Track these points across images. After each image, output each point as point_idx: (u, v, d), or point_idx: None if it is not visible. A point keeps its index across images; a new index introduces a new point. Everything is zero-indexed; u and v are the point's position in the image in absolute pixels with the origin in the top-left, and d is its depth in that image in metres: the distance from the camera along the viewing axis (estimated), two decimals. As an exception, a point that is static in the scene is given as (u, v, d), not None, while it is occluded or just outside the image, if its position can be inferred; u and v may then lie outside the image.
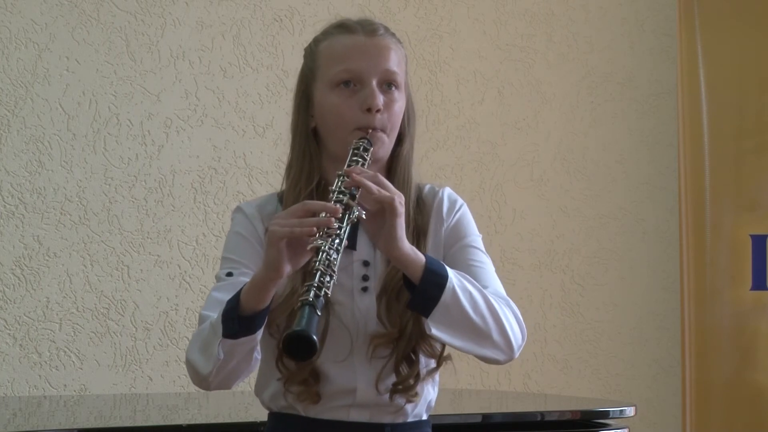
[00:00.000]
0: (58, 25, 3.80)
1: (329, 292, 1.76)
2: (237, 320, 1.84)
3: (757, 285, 4.43)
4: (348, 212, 1.83)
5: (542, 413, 3.16)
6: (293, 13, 4.13)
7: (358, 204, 1.86)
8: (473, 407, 3.46)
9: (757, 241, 4.43)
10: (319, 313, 1.74)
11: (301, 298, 1.75)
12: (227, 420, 3.15)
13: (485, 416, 3.03)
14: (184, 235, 3.92)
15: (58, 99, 3.80)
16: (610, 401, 3.91)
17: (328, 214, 1.81)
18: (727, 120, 4.58)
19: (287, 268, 1.82)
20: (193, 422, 3.12)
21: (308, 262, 1.83)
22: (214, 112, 3.99)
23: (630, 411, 3.17)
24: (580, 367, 4.60)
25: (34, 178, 3.75)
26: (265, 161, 4.04)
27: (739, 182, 4.58)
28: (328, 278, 1.76)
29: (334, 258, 1.78)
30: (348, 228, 1.83)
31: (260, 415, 2.90)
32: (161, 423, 3.09)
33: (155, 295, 3.87)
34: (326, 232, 1.80)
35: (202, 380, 1.93)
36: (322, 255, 1.78)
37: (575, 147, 4.64)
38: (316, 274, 1.76)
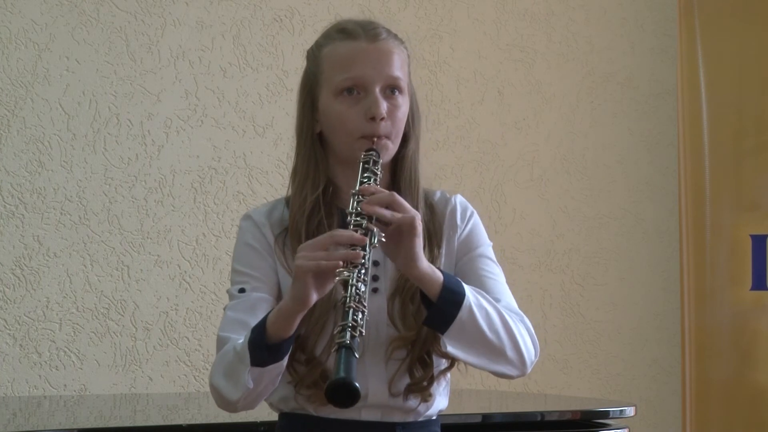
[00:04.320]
0: (58, 25, 3.80)
1: (363, 331, 1.75)
2: (265, 349, 1.85)
3: (757, 285, 4.43)
4: (370, 238, 1.83)
5: (542, 413, 3.15)
6: (293, 13, 4.13)
7: (376, 225, 1.85)
8: (473, 407, 3.46)
9: (757, 241, 4.43)
10: (357, 355, 1.73)
11: (337, 341, 1.73)
12: (227, 420, 3.15)
13: (485, 416, 3.03)
14: (184, 235, 3.92)
15: (58, 99, 3.80)
16: (610, 401, 3.91)
17: (353, 246, 1.80)
18: (727, 120, 4.57)
19: (314, 298, 1.82)
20: (193, 422, 3.12)
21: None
22: (214, 112, 3.99)
23: (630, 411, 3.17)
24: (580, 367, 4.59)
25: (34, 178, 3.75)
26: (265, 161, 4.04)
27: (739, 182, 4.57)
28: (360, 315, 1.75)
29: (363, 291, 1.77)
30: (371, 254, 1.82)
31: (260, 415, 2.90)
32: (161, 423, 3.09)
33: (155, 295, 3.87)
34: (352, 263, 1.79)
35: (228, 405, 1.94)
36: (352, 289, 1.77)
37: (575, 147, 4.64)
38: (348, 312, 1.75)
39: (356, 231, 1.82)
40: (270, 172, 4.04)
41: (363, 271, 1.79)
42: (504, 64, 4.53)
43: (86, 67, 3.84)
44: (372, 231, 1.83)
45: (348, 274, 1.77)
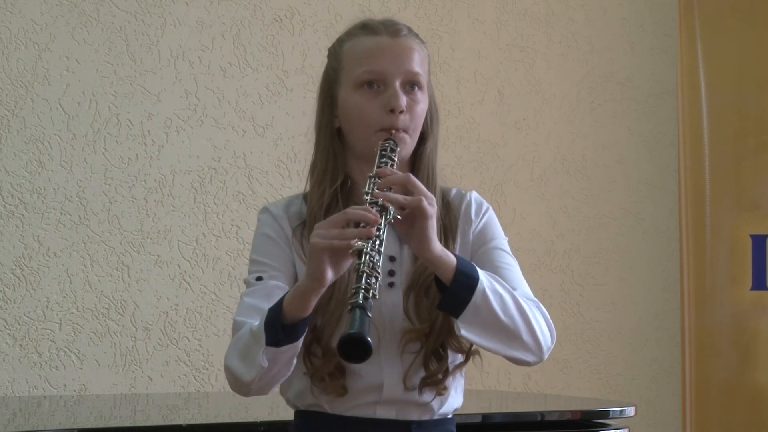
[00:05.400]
0: (58, 25, 3.80)
1: (377, 294, 1.77)
2: (281, 329, 1.85)
3: (757, 285, 4.43)
4: (384, 214, 1.85)
5: (542, 413, 3.16)
6: (293, 13, 4.13)
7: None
8: (473, 407, 3.45)
9: (757, 241, 4.43)
10: (370, 315, 1.75)
11: (350, 301, 1.76)
12: (227, 420, 3.15)
13: (485, 416, 3.03)
14: (184, 235, 3.92)
15: (58, 99, 3.80)
16: (610, 401, 3.91)
17: (367, 224, 1.82)
18: (727, 120, 4.58)
19: (330, 277, 1.84)
20: (193, 422, 3.12)
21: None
22: (214, 112, 3.99)
23: (630, 411, 3.17)
24: (580, 367, 4.59)
25: (34, 178, 3.75)
26: (265, 161, 4.04)
27: (739, 182, 4.57)
28: (373, 280, 1.78)
29: (376, 260, 1.80)
30: (386, 230, 1.84)
31: (260, 414, 2.91)
32: (161, 423, 3.09)
33: (155, 295, 3.87)
34: (367, 237, 1.81)
35: (242, 386, 1.94)
36: (365, 257, 1.79)
37: (575, 147, 4.64)
38: (362, 276, 1.77)
39: (372, 208, 1.85)
40: (270, 172, 4.04)
41: (377, 243, 1.81)
42: (504, 64, 4.53)
43: (86, 67, 3.84)
44: (387, 208, 1.85)
45: (362, 244, 1.80)
